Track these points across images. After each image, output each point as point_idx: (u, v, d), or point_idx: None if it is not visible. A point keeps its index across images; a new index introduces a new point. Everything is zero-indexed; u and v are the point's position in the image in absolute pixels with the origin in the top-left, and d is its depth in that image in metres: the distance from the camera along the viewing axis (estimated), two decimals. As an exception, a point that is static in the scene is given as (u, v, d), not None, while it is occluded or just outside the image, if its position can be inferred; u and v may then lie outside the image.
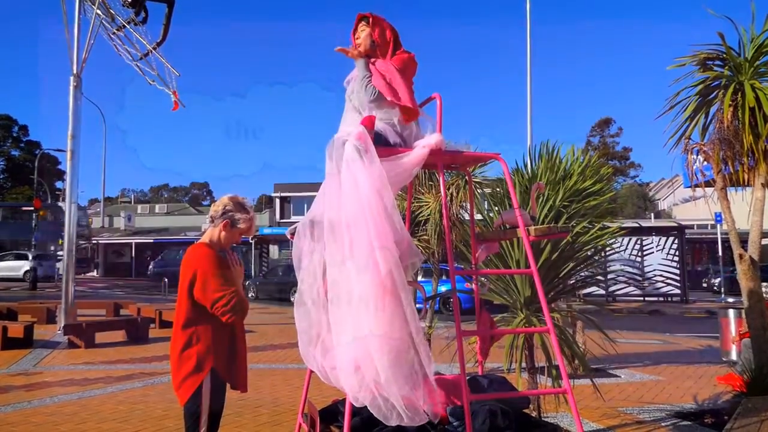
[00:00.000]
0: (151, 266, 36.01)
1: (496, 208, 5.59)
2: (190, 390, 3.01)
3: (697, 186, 6.18)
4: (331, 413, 3.64)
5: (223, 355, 3.09)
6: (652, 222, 32.60)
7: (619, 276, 20.68)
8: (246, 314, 3.09)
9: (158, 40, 13.21)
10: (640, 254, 21.90)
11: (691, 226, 33.54)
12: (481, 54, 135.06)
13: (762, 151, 5.63)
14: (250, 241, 33.82)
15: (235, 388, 3.19)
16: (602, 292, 20.90)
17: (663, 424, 5.62)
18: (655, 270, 21.69)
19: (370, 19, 3.55)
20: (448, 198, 8.10)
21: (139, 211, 54.92)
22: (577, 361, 5.28)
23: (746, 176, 5.87)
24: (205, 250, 3.12)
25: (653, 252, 21.85)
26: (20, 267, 33.21)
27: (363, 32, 3.58)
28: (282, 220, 45.60)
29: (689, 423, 5.64)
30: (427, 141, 3.39)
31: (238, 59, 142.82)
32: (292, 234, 3.38)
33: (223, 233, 3.22)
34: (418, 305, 3.31)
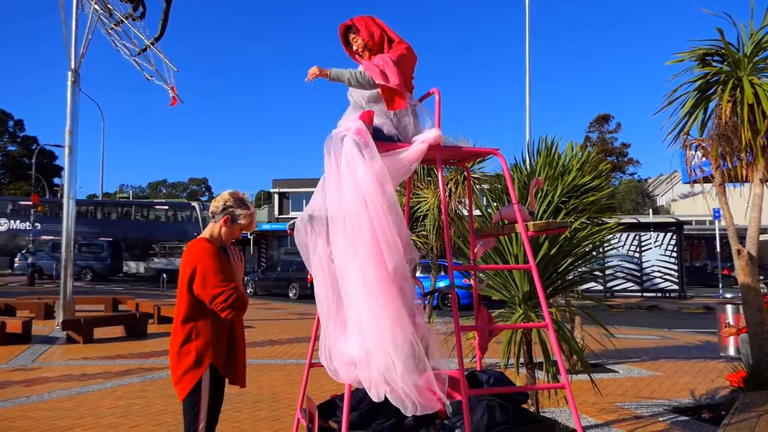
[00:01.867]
0: (18, 258, 32.53)
1: (495, 204, 5.60)
2: (189, 385, 3.01)
3: (695, 182, 6.18)
4: (330, 408, 3.65)
5: (222, 351, 3.09)
6: (651, 218, 32.63)
7: (617, 271, 20.76)
8: (245, 311, 3.09)
9: (156, 36, 13.18)
10: (638, 250, 21.93)
11: (689, 222, 33.57)
12: (480, 50, 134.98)
13: (760, 147, 5.63)
14: (249, 237, 33.69)
15: (234, 383, 3.20)
16: (600, 287, 20.96)
17: (661, 419, 5.64)
18: (653, 266, 21.73)
19: (354, 26, 3.54)
20: (447, 193, 8.11)
21: (137, 206, 54.76)
22: (575, 357, 5.29)
23: (745, 172, 5.86)
24: (205, 245, 3.12)
25: (651, 248, 21.88)
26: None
27: (357, 42, 3.58)
28: (281, 216, 45.61)
29: (687, 418, 5.65)
30: (426, 136, 3.39)
31: (239, 53, 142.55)
32: (292, 229, 3.38)
33: (223, 229, 3.22)
34: (416, 301, 3.33)
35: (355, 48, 3.60)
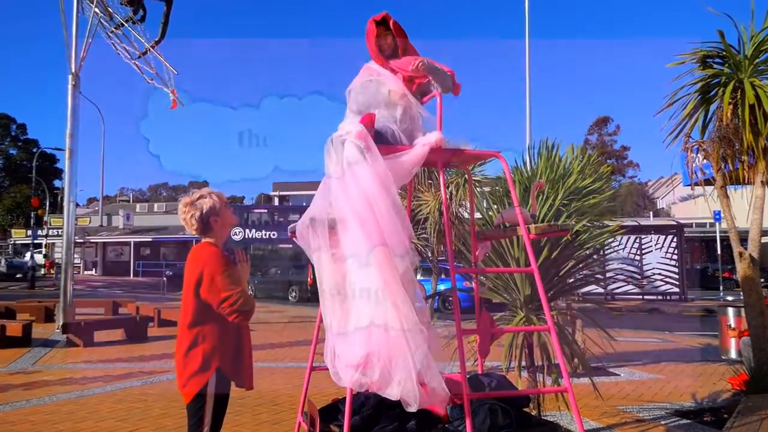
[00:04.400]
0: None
1: (495, 207, 5.58)
2: (196, 389, 2.99)
3: (696, 184, 6.17)
4: (331, 412, 3.63)
5: (229, 354, 3.08)
6: (651, 220, 32.63)
7: (618, 274, 20.71)
8: (252, 313, 3.07)
9: (157, 39, 13.18)
10: (639, 253, 21.89)
11: (689, 225, 33.55)
12: (481, 52, 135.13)
13: (762, 149, 5.62)
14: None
15: (241, 386, 3.18)
16: (601, 290, 20.90)
17: (662, 422, 5.62)
18: (654, 268, 21.69)
19: (394, 26, 3.56)
20: (448, 196, 8.09)
21: (137, 209, 54.89)
22: (576, 360, 5.28)
23: (746, 174, 5.85)
24: (210, 248, 3.11)
25: (652, 250, 21.84)
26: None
27: (387, 40, 3.57)
28: (281, 220, 45.49)
29: (689, 421, 5.63)
30: (427, 139, 3.38)
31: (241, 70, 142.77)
32: (293, 233, 3.37)
33: (218, 227, 3.17)
34: (417, 304, 3.33)
35: (382, 42, 3.57)
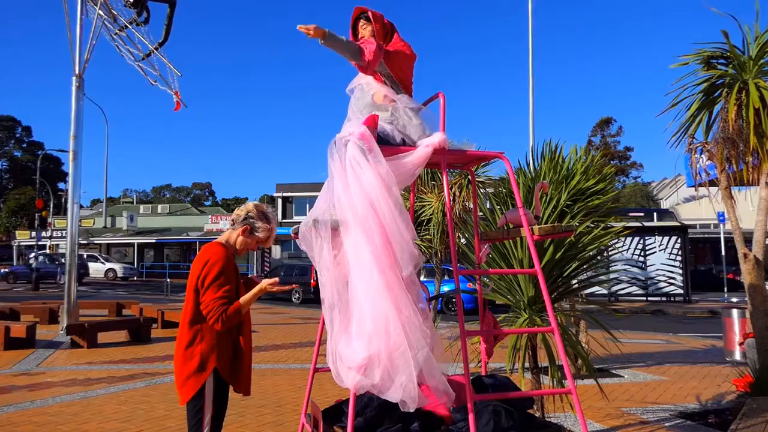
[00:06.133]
0: None
1: (498, 207, 5.58)
2: (193, 390, 2.99)
3: (701, 185, 6.16)
4: (335, 414, 3.63)
5: (225, 357, 3.07)
6: (655, 222, 32.52)
7: (621, 276, 20.66)
8: (232, 324, 3.04)
9: (160, 41, 13.20)
10: (642, 254, 21.84)
11: (693, 226, 33.44)
12: (483, 53, 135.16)
13: (766, 150, 5.60)
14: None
15: (238, 391, 3.17)
16: (604, 292, 20.84)
17: (667, 424, 5.60)
18: (657, 270, 21.63)
19: (369, 15, 3.54)
20: (451, 198, 8.09)
21: (141, 211, 54.94)
22: (580, 361, 5.27)
23: (750, 175, 5.84)
24: (217, 248, 3.12)
25: (656, 252, 21.79)
26: None
27: (366, 29, 3.56)
28: (284, 220, 45.59)
29: (693, 423, 5.61)
30: (431, 140, 3.38)
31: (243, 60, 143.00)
32: (296, 234, 3.37)
33: (240, 237, 3.21)
34: (421, 305, 3.32)
35: (361, 35, 3.59)
